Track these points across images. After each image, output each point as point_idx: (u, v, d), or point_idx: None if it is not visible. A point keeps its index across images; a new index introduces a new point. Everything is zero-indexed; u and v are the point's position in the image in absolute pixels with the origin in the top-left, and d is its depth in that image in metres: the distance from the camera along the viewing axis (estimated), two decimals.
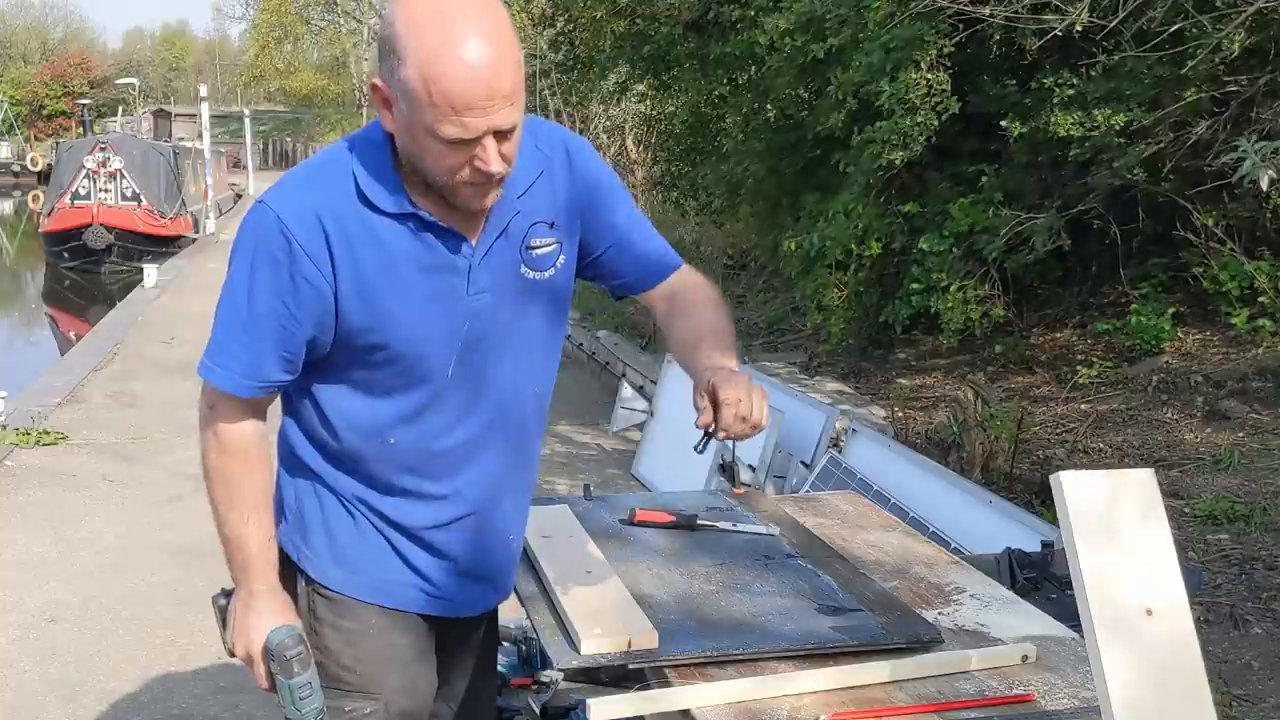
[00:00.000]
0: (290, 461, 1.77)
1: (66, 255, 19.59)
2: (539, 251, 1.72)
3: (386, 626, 1.77)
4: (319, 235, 1.56)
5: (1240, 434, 5.56)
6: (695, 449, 1.66)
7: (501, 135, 1.50)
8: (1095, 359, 6.73)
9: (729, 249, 12.11)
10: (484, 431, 1.74)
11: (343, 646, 1.76)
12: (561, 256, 1.75)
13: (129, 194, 19.70)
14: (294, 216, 1.56)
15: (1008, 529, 3.62)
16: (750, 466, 4.91)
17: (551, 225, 1.73)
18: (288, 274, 1.57)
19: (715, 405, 1.63)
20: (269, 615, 1.69)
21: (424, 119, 1.48)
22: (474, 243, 1.64)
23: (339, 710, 1.74)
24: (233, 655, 1.76)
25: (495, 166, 1.51)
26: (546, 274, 1.74)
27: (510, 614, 2.09)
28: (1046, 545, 3.02)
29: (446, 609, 1.82)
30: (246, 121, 33.93)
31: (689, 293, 1.89)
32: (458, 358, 1.67)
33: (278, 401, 1.76)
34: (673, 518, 2.24)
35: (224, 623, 1.75)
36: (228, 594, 1.76)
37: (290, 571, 1.77)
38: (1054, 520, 2.27)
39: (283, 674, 1.64)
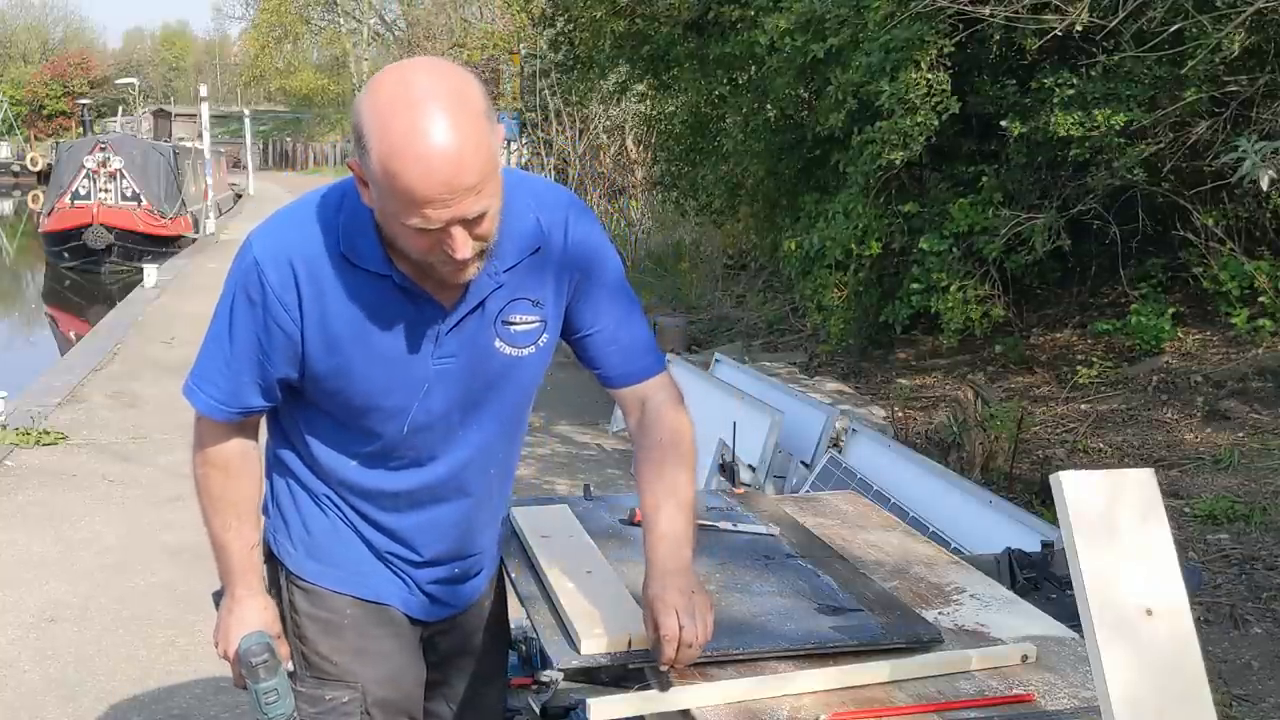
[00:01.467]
0: (273, 461, 1.84)
1: (66, 255, 19.58)
2: (518, 328, 1.71)
3: (362, 617, 1.82)
4: (291, 283, 1.60)
5: (1240, 434, 5.56)
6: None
7: (471, 222, 1.48)
8: (1095, 359, 6.73)
9: (729, 249, 12.11)
10: (439, 487, 1.78)
11: (320, 636, 1.81)
12: (544, 336, 1.74)
13: (129, 194, 19.68)
14: (270, 262, 1.61)
15: (1008, 529, 3.62)
16: (750, 466, 4.92)
17: (537, 303, 1.71)
18: (261, 316, 1.62)
19: (655, 634, 1.60)
20: (246, 621, 1.77)
21: (389, 208, 1.48)
22: (448, 309, 1.65)
23: (319, 698, 1.79)
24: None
25: (464, 254, 1.49)
26: (524, 351, 1.73)
27: (510, 614, 2.09)
28: (1046, 545, 3.02)
29: (418, 612, 1.87)
30: (246, 121, 33.97)
31: (661, 430, 1.78)
32: (414, 417, 1.70)
33: None
34: None
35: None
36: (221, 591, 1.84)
37: (273, 565, 1.85)
38: (1054, 520, 2.28)
39: (250, 679, 1.73)
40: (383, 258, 1.60)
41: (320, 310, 1.61)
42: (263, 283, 1.60)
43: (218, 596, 1.84)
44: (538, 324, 1.72)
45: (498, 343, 1.70)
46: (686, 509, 1.73)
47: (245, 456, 1.76)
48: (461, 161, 1.43)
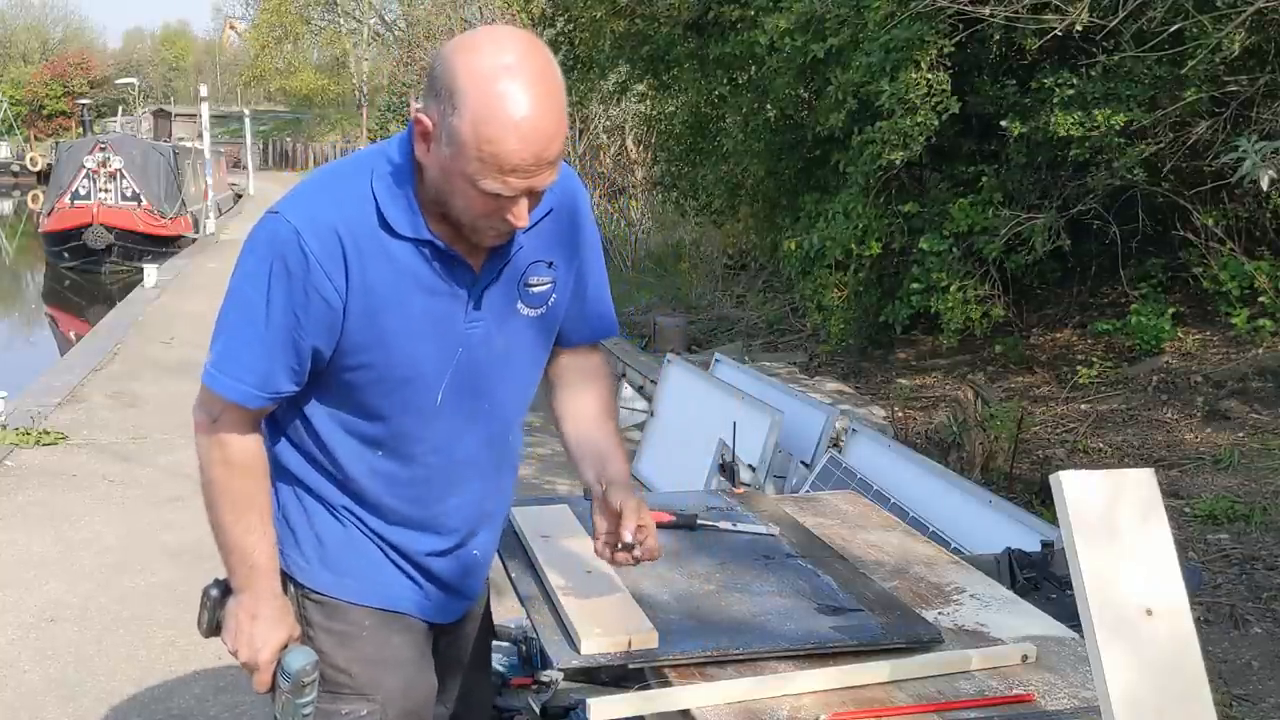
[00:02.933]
0: (277, 471, 1.76)
1: (66, 255, 19.58)
2: (535, 289, 1.75)
3: (379, 627, 1.78)
4: (337, 249, 1.58)
5: (1240, 434, 5.56)
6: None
7: (536, 194, 1.56)
8: (1095, 359, 6.73)
9: (729, 249, 12.11)
10: (468, 462, 1.78)
11: (335, 649, 1.76)
12: (554, 295, 1.79)
13: (129, 194, 19.68)
14: (311, 230, 1.57)
15: (1008, 529, 3.62)
16: (750, 466, 4.91)
17: (550, 265, 1.76)
18: (301, 286, 1.57)
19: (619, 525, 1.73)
20: (277, 629, 1.71)
21: (466, 169, 1.50)
22: (476, 272, 1.67)
23: (335, 713, 1.75)
24: (207, 637, 1.79)
25: (524, 222, 1.57)
26: (539, 311, 1.77)
27: (510, 614, 2.09)
28: (1046, 545, 3.03)
29: (433, 615, 1.86)
30: (246, 121, 33.93)
31: (593, 373, 1.95)
32: (448, 385, 1.70)
33: None
34: (673, 518, 2.24)
35: (208, 611, 1.77)
36: (221, 585, 1.77)
37: (281, 579, 1.77)
38: (1054, 520, 2.28)
39: (294, 694, 1.70)
40: (422, 224, 1.61)
41: (363, 277, 1.59)
42: (305, 251, 1.56)
43: (216, 591, 1.76)
44: (550, 285, 1.77)
45: (518, 304, 1.74)
46: (614, 435, 1.90)
47: (262, 455, 1.71)
48: (553, 135, 1.51)
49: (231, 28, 57.63)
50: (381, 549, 1.78)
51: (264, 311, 1.58)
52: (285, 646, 1.72)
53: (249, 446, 1.68)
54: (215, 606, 1.76)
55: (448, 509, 1.78)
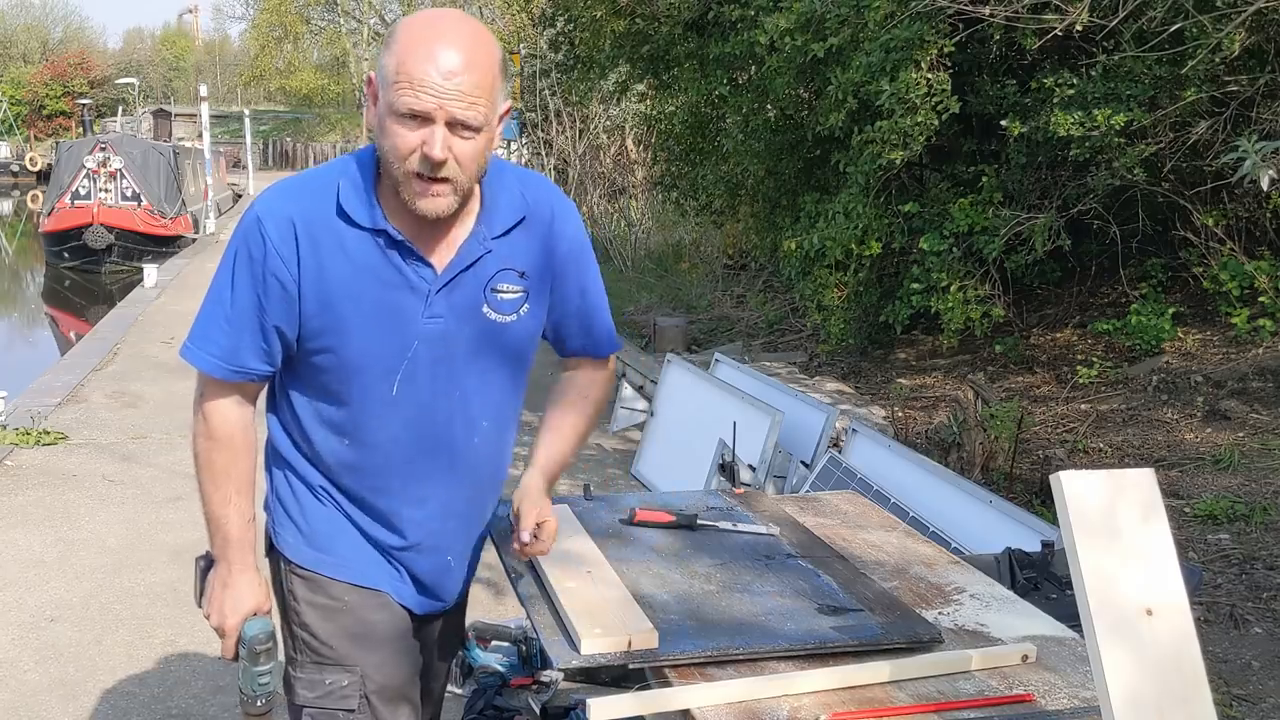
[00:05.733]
0: (270, 454, 1.90)
1: (66, 255, 19.58)
2: (504, 296, 1.80)
3: (359, 604, 1.86)
4: (290, 238, 1.69)
5: (1240, 434, 5.56)
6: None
7: (455, 129, 1.61)
8: (1095, 359, 6.73)
9: (729, 249, 12.11)
10: (429, 459, 1.83)
11: (319, 622, 1.85)
12: (527, 305, 1.83)
13: (129, 194, 19.69)
14: (271, 220, 1.71)
15: (1008, 529, 3.62)
16: (750, 466, 4.91)
17: (522, 275, 1.81)
18: (261, 270, 1.71)
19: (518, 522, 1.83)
20: (242, 597, 1.84)
21: (388, 97, 1.62)
22: (438, 271, 1.73)
23: (318, 683, 1.84)
24: (199, 604, 1.91)
25: (438, 152, 1.61)
26: (509, 318, 1.82)
27: (510, 614, 2.09)
28: (1046, 545, 3.03)
29: (411, 603, 1.92)
30: (246, 121, 33.94)
31: (581, 387, 2.01)
32: (403, 377, 1.76)
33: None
34: (673, 518, 2.24)
35: (197, 580, 1.90)
36: (207, 557, 1.89)
37: (273, 557, 1.92)
38: (1054, 520, 2.28)
39: (249, 660, 1.82)
40: (379, 215, 1.70)
41: (317, 265, 1.70)
42: (263, 237, 1.70)
43: (204, 562, 1.88)
44: (521, 293, 1.82)
45: (485, 308, 1.79)
46: (562, 446, 1.95)
47: (246, 431, 1.82)
48: (466, 66, 1.60)
49: (192, 14, 57.77)
50: (359, 531, 1.86)
51: (230, 293, 1.74)
52: (254, 616, 1.84)
53: (229, 421, 1.80)
54: (201, 576, 1.89)
55: (409, 504, 1.84)
